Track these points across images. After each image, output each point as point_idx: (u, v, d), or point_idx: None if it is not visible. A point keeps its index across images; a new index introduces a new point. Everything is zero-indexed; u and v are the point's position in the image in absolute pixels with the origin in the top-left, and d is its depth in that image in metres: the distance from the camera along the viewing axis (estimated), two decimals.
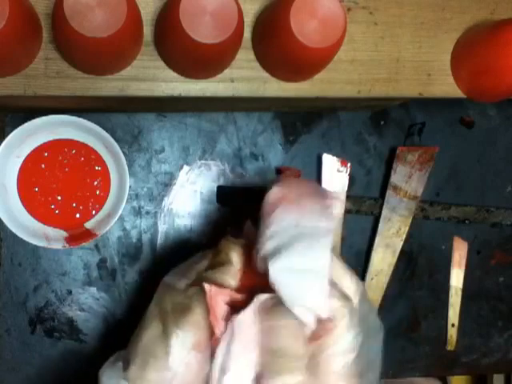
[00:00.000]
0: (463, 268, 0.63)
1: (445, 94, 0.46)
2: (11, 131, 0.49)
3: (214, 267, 0.41)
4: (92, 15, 0.35)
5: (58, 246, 0.52)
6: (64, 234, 0.53)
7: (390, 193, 0.59)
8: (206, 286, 0.39)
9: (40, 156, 0.53)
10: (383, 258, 0.60)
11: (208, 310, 0.38)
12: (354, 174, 0.60)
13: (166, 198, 0.58)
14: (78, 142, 0.53)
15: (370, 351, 0.41)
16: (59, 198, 0.54)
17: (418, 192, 0.59)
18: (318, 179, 0.59)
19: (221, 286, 0.40)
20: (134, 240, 0.58)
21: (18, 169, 0.53)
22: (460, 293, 0.63)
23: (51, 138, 0.53)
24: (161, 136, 0.58)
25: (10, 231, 0.50)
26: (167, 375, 0.37)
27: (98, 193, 0.54)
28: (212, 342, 0.38)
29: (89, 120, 0.50)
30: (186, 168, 0.58)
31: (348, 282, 0.40)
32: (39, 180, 0.53)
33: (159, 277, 0.58)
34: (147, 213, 0.58)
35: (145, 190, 0.58)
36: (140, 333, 0.40)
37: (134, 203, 0.57)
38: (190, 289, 0.40)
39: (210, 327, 0.38)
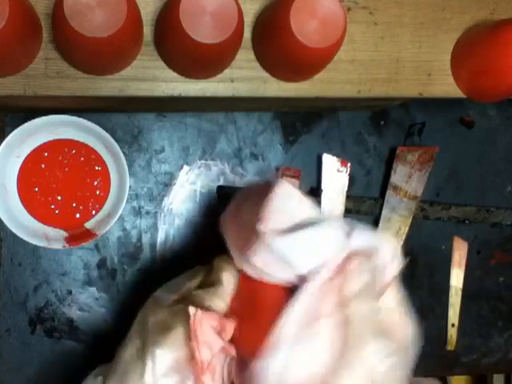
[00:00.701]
0: (463, 268, 0.63)
1: (445, 94, 0.46)
2: (11, 131, 0.49)
3: (205, 286, 0.39)
4: (92, 15, 0.35)
5: (58, 246, 0.52)
6: (64, 233, 0.53)
7: (390, 193, 0.59)
8: (191, 309, 0.36)
9: (40, 156, 0.53)
10: None
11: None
12: (354, 174, 0.60)
13: (165, 198, 0.58)
14: (78, 141, 0.53)
15: None
16: (59, 198, 0.54)
17: (418, 192, 0.59)
18: (318, 179, 0.59)
19: (208, 308, 0.38)
20: (134, 240, 0.58)
21: (17, 169, 0.53)
22: (460, 293, 0.63)
23: (51, 138, 0.53)
24: (161, 136, 0.58)
25: (10, 231, 0.50)
26: None
27: (98, 193, 0.54)
28: (192, 364, 0.36)
29: (89, 120, 0.50)
30: (185, 168, 0.58)
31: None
32: (39, 180, 0.53)
33: (159, 277, 0.58)
34: (147, 213, 0.58)
35: (145, 190, 0.58)
36: (120, 349, 0.39)
37: (134, 203, 0.57)
38: (176, 306, 0.38)
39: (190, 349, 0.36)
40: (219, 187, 0.58)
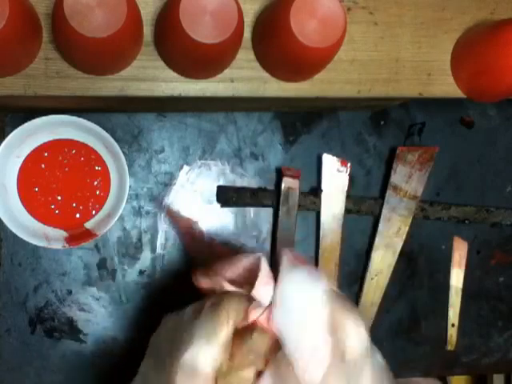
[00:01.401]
0: (463, 268, 0.63)
1: (445, 94, 0.46)
2: (11, 131, 0.49)
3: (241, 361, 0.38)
4: (92, 15, 0.35)
5: (58, 245, 0.52)
6: (64, 233, 0.53)
7: (390, 193, 0.59)
8: None
9: (40, 156, 0.53)
10: (383, 258, 0.60)
11: None
12: (354, 174, 0.60)
13: (165, 198, 0.58)
14: (78, 141, 0.53)
15: None
16: (59, 198, 0.54)
17: (418, 192, 0.59)
18: (318, 179, 0.59)
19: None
20: (134, 240, 0.58)
21: (17, 169, 0.53)
22: (460, 293, 0.63)
23: (51, 138, 0.53)
24: (161, 136, 0.58)
25: (10, 231, 0.50)
26: None
27: (98, 193, 0.54)
28: None
29: (89, 120, 0.50)
30: (185, 168, 0.58)
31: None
32: (39, 180, 0.53)
33: (159, 277, 0.58)
34: (147, 213, 0.58)
35: (145, 190, 0.58)
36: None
37: (134, 203, 0.57)
38: None
39: None
40: (219, 187, 0.58)
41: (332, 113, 0.60)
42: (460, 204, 0.62)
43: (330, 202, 0.59)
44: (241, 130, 0.59)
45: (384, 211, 0.59)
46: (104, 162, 0.54)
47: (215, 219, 0.59)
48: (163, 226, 0.58)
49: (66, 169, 0.54)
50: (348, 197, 0.59)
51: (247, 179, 0.59)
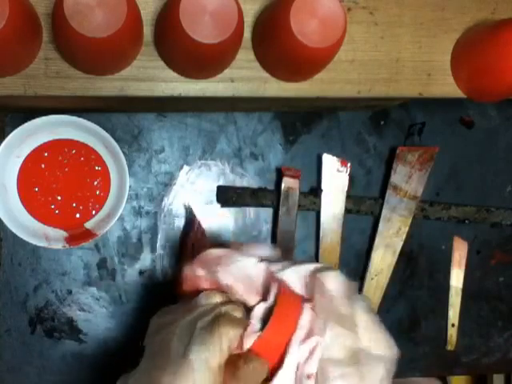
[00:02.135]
0: (463, 268, 0.63)
1: (445, 94, 0.46)
2: (11, 131, 0.49)
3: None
4: (92, 15, 0.35)
5: (58, 245, 0.52)
6: (64, 233, 0.53)
7: (389, 193, 0.59)
8: None
9: (40, 156, 0.53)
10: (383, 258, 0.60)
11: None
12: (354, 174, 0.60)
13: (165, 198, 0.58)
14: (78, 141, 0.53)
15: None
16: (59, 198, 0.54)
17: (418, 192, 0.59)
18: (318, 179, 0.59)
19: None
20: (134, 240, 0.58)
21: (17, 169, 0.53)
22: (460, 293, 0.63)
23: (51, 138, 0.53)
24: (161, 136, 0.58)
25: (10, 231, 0.50)
26: None
27: (98, 193, 0.54)
28: None
29: (89, 120, 0.50)
30: (185, 168, 0.58)
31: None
32: (39, 180, 0.53)
33: (159, 277, 0.58)
34: (147, 213, 0.58)
35: (145, 190, 0.58)
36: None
37: (134, 203, 0.57)
38: None
39: None
40: (219, 187, 0.58)
41: (332, 113, 0.60)
42: (460, 204, 0.62)
43: (329, 202, 0.59)
44: (241, 130, 0.59)
45: (384, 211, 0.59)
46: (104, 162, 0.54)
47: (215, 219, 0.59)
48: (163, 226, 0.58)
49: (66, 169, 0.54)
50: (348, 197, 0.59)
51: (247, 179, 0.59)
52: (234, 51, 0.41)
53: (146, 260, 0.58)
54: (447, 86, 0.46)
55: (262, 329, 0.38)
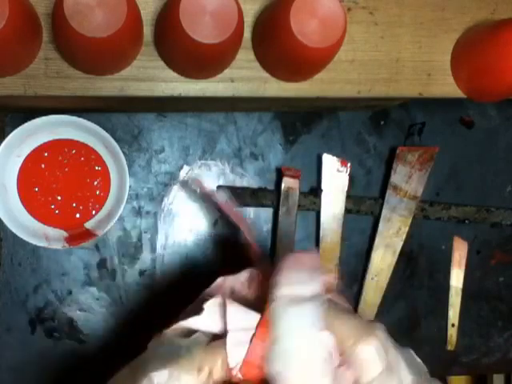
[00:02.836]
0: (463, 268, 0.63)
1: (445, 94, 0.46)
2: (11, 131, 0.49)
3: None
4: (92, 15, 0.35)
5: (58, 245, 0.52)
6: (64, 233, 0.53)
7: (389, 193, 0.59)
8: None
9: (40, 156, 0.53)
10: (383, 258, 0.60)
11: None
12: (354, 174, 0.60)
13: (165, 198, 0.58)
14: (78, 141, 0.53)
15: None
16: (59, 198, 0.54)
17: (418, 192, 0.59)
18: (318, 179, 0.59)
19: None
20: (134, 240, 0.58)
21: (17, 169, 0.53)
22: (460, 293, 0.63)
23: (51, 138, 0.53)
24: (161, 136, 0.58)
25: (10, 231, 0.50)
26: None
27: (98, 193, 0.54)
28: None
29: (89, 120, 0.50)
30: (185, 168, 0.58)
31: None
32: (39, 180, 0.53)
33: (159, 277, 0.58)
34: (147, 213, 0.58)
35: (145, 190, 0.58)
36: None
37: (134, 203, 0.57)
38: None
39: None
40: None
41: (332, 113, 0.60)
42: (460, 204, 0.62)
43: (329, 201, 0.59)
44: (241, 130, 0.59)
45: (384, 211, 0.59)
46: (104, 162, 0.54)
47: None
48: (163, 226, 0.58)
49: (66, 169, 0.54)
50: (348, 197, 0.59)
51: (247, 179, 0.59)
52: (234, 51, 0.41)
53: (145, 260, 0.58)
54: (447, 86, 0.46)
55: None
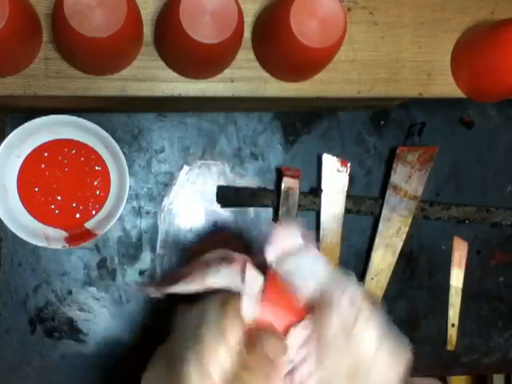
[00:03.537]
0: (463, 268, 0.63)
1: (445, 94, 0.46)
2: (11, 131, 0.49)
3: (252, 370, 0.35)
4: (92, 15, 0.35)
5: (58, 245, 0.52)
6: (64, 234, 0.53)
7: (389, 193, 0.59)
8: None
9: (40, 156, 0.53)
10: (383, 258, 0.60)
11: None
12: (354, 174, 0.60)
13: (165, 198, 0.58)
14: (78, 141, 0.53)
15: None
16: (59, 198, 0.54)
17: (418, 192, 0.59)
18: (318, 179, 0.59)
19: None
20: (134, 240, 0.58)
21: (17, 169, 0.53)
22: (460, 293, 0.63)
23: (51, 138, 0.53)
24: (161, 136, 0.58)
25: (10, 231, 0.50)
26: None
27: (98, 193, 0.54)
28: None
29: (89, 120, 0.50)
30: (185, 168, 0.58)
31: None
32: (39, 180, 0.53)
33: (159, 277, 0.58)
34: (147, 213, 0.58)
35: (145, 190, 0.58)
36: None
37: (134, 203, 0.57)
38: None
39: None
40: (219, 187, 0.58)
41: (332, 113, 0.60)
42: (460, 204, 0.62)
43: (329, 201, 0.59)
44: (241, 130, 0.59)
45: (384, 211, 0.59)
46: (104, 161, 0.54)
47: (215, 219, 0.59)
48: (163, 226, 0.58)
49: (66, 169, 0.54)
50: (348, 197, 0.59)
51: (247, 179, 0.59)
52: (233, 51, 0.41)
53: (145, 260, 0.58)
54: (447, 86, 0.46)
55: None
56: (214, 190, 0.58)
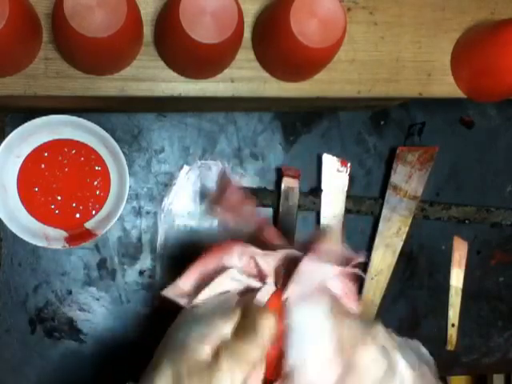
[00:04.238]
0: (463, 268, 0.63)
1: (445, 94, 0.46)
2: (11, 131, 0.49)
3: (239, 335, 0.36)
4: (92, 15, 0.35)
5: (58, 245, 0.52)
6: (64, 234, 0.53)
7: (389, 193, 0.59)
8: None
9: (40, 156, 0.53)
10: (383, 258, 0.60)
11: None
12: (354, 174, 0.60)
13: (165, 198, 0.58)
14: (78, 141, 0.53)
15: None
16: (59, 198, 0.54)
17: (418, 192, 0.59)
18: (318, 179, 0.59)
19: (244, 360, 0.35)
20: (134, 240, 0.58)
21: (17, 169, 0.53)
22: (460, 293, 0.63)
23: (51, 138, 0.53)
24: (161, 136, 0.58)
25: (10, 231, 0.50)
26: None
27: (98, 193, 0.54)
28: None
29: (89, 120, 0.50)
30: (185, 168, 0.58)
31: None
32: (39, 180, 0.53)
33: (159, 277, 0.58)
34: (147, 213, 0.58)
35: (145, 190, 0.58)
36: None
37: (134, 203, 0.57)
38: (214, 365, 0.34)
39: None
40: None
41: (332, 113, 0.60)
42: (460, 204, 0.62)
43: (329, 202, 0.59)
44: (241, 130, 0.59)
45: (384, 211, 0.59)
46: (104, 161, 0.54)
47: (215, 219, 0.59)
48: (163, 226, 0.58)
49: (66, 169, 0.54)
50: (348, 197, 0.59)
51: (247, 179, 0.59)
52: (233, 51, 0.41)
53: (146, 260, 0.58)
54: (447, 86, 0.46)
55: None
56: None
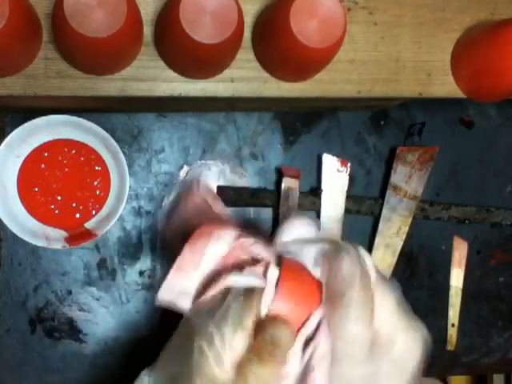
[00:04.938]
0: (463, 268, 0.63)
1: (445, 94, 0.46)
2: (11, 131, 0.49)
3: (263, 358, 0.35)
4: (92, 15, 0.35)
5: (58, 245, 0.52)
6: (64, 234, 0.53)
7: (389, 193, 0.59)
8: None
9: (40, 156, 0.53)
10: (383, 258, 0.60)
11: None
12: (354, 174, 0.60)
13: (165, 198, 0.58)
14: (78, 142, 0.53)
15: None
16: (59, 198, 0.54)
17: (418, 192, 0.59)
18: (318, 179, 0.59)
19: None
20: (134, 240, 0.58)
21: (17, 169, 0.53)
22: (460, 293, 0.63)
23: (51, 138, 0.53)
24: (161, 136, 0.58)
25: (10, 231, 0.50)
26: None
27: (98, 193, 0.54)
28: None
29: (89, 120, 0.50)
30: (185, 168, 0.58)
31: None
32: (39, 180, 0.53)
33: (159, 277, 0.58)
34: (147, 213, 0.58)
35: (145, 190, 0.58)
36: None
37: (134, 203, 0.57)
38: None
39: None
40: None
41: (332, 113, 0.60)
42: (460, 204, 0.62)
43: (329, 201, 0.59)
44: (241, 130, 0.59)
45: (384, 211, 0.59)
46: (104, 161, 0.54)
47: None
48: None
49: (66, 169, 0.54)
50: (348, 197, 0.59)
51: (247, 179, 0.59)
52: (233, 51, 0.41)
53: (146, 260, 0.58)
54: (447, 86, 0.46)
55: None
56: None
